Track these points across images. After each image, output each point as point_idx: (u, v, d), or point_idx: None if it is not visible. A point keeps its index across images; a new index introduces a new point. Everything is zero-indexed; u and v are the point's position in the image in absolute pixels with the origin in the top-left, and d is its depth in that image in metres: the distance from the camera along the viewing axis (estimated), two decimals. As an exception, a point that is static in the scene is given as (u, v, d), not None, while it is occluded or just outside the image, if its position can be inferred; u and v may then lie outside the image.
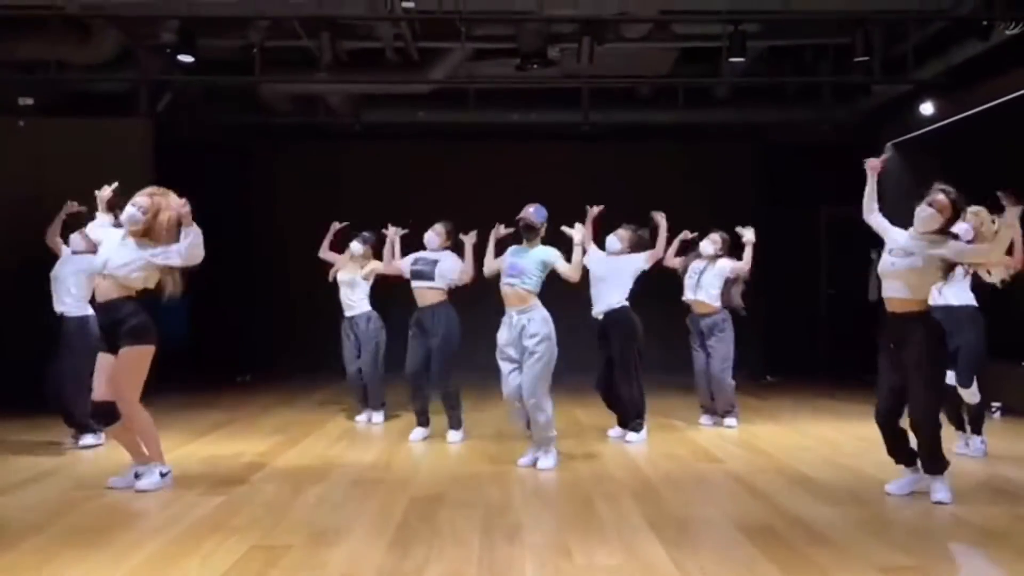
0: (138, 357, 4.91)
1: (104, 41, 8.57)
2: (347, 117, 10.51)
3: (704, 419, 7.49)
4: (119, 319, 4.90)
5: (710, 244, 7.23)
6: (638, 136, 11.26)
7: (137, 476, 5.01)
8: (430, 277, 6.60)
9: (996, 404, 7.94)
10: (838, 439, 6.78)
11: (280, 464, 5.79)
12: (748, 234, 7.14)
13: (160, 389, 9.22)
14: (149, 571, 3.58)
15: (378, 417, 7.53)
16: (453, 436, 6.63)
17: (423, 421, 6.75)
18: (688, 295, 7.28)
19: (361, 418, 7.59)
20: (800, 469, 5.62)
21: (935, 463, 4.75)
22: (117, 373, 4.90)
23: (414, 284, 6.66)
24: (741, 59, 7.81)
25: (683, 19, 8.18)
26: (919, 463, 4.83)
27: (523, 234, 5.73)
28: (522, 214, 5.70)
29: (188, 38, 7.27)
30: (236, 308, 11.35)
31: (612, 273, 6.63)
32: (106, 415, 5.00)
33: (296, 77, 9.25)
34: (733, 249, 7.32)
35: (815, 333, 11.64)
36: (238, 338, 11.29)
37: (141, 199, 5.01)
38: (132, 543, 3.95)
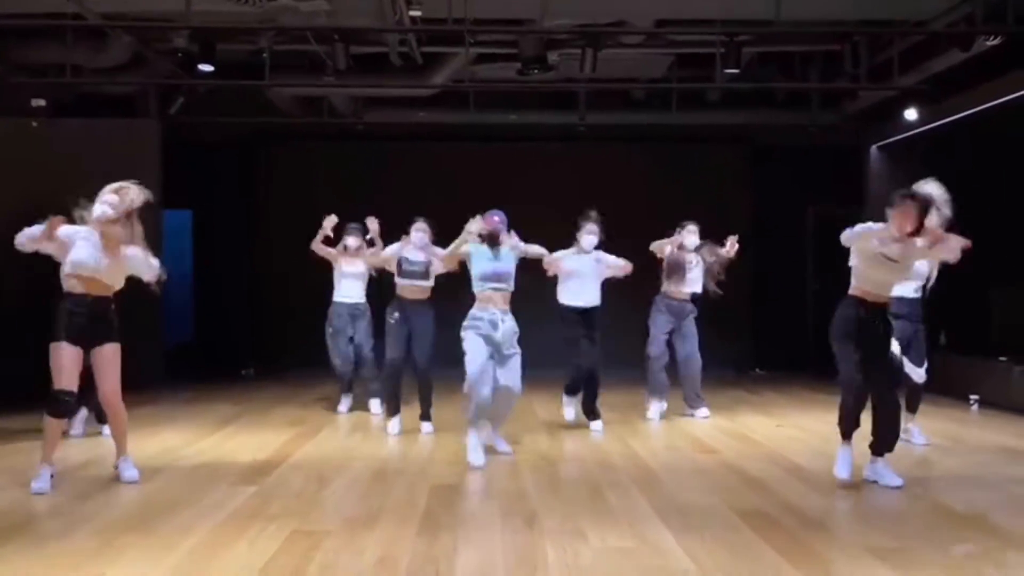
0: (119, 353, 5.24)
1: (116, 45, 8.83)
2: (350, 118, 10.81)
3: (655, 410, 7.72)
4: (109, 317, 5.20)
5: (694, 236, 7.66)
6: (633, 137, 11.61)
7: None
8: (424, 277, 6.98)
9: (974, 397, 8.37)
10: (824, 430, 7.12)
11: (301, 456, 6.11)
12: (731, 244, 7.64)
13: (166, 383, 9.62)
14: (202, 554, 3.90)
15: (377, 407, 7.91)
16: (427, 427, 7.01)
17: (397, 409, 6.98)
18: (685, 288, 7.68)
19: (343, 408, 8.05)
20: (791, 459, 6.00)
21: (891, 448, 5.25)
22: (113, 368, 5.20)
23: (406, 282, 6.96)
24: (736, 70, 8.15)
25: (678, 31, 8.50)
26: (879, 449, 5.26)
27: (491, 242, 5.99)
28: (490, 226, 5.96)
29: (207, 48, 7.54)
30: (240, 303, 11.63)
31: (591, 269, 7.07)
32: (73, 406, 5.18)
33: (304, 81, 9.53)
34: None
35: (802, 327, 12.04)
36: (241, 333, 11.58)
37: (110, 196, 5.17)
38: (179, 530, 4.27)
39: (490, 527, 4.34)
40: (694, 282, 7.68)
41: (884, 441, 5.23)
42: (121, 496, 4.96)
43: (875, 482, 5.19)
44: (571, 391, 7.28)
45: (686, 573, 3.66)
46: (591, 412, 7.18)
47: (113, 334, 5.20)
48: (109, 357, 5.19)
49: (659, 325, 7.70)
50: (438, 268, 6.90)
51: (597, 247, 7.12)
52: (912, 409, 6.44)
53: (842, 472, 5.17)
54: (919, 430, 6.51)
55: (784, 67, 10.13)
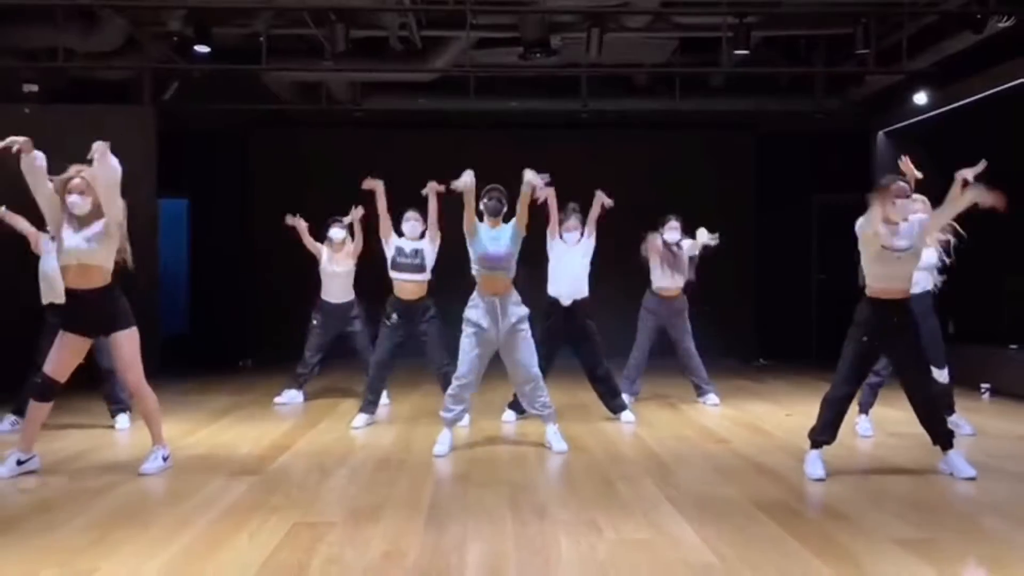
0: (129, 338, 5.05)
1: (110, 29, 8.61)
2: (348, 104, 10.61)
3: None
4: (108, 305, 4.99)
5: (675, 232, 7.48)
6: (635, 124, 11.42)
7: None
8: (420, 270, 6.64)
9: (985, 385, 8.23)
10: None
11: (302, 446, 5.95)
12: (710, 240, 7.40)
13: (162, 375, 9.42)
14: (201, 548, 3.73)
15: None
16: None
17: (373, 408, 6.76)
18: (665, 283, 7.50)
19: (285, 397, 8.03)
20: (803, 447, 5.81)
21: (949, 437, 5.07)
22: (121, 355, 5.05)
23: (399, 276, 6.63)
24: (745, 52, 7.97)
25: (685, 12, 8.32)
26: (936, 441, 5.07)
27: (492, 209, 5.76)
28: (496, 191, 5.79)
29: (203, 29, 7.34)
30: (238, 293, 11.44)
31: (574, 262, 6.81)
32: (52, 393, 5.04)
33: (302, 65, 9.33)
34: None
35: (806, 316, 11.91)
36: (239, 323, 11.39)
37: (77, 182, 4.97)
38: (177, 522, 4.10)
39: (500, 519, 4.18)
40: (680, 273, 7.51)
41: (935, 435, 5.07)
42: (116, 489, 4.78)
43: (951, 474, 5.02)
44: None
45: (709, 567, 3.50)
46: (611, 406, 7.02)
47: (119, 321, 5.01)
48: (118, 344, 5.04)
49: (646, 329, 7.54)
50: (433, 252, 6.64)
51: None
52: (948, 410, 6.31)
53: (815, 472, 4.99)
54: (965, 420, 6.40)
55: (788, 52, 9.95)
